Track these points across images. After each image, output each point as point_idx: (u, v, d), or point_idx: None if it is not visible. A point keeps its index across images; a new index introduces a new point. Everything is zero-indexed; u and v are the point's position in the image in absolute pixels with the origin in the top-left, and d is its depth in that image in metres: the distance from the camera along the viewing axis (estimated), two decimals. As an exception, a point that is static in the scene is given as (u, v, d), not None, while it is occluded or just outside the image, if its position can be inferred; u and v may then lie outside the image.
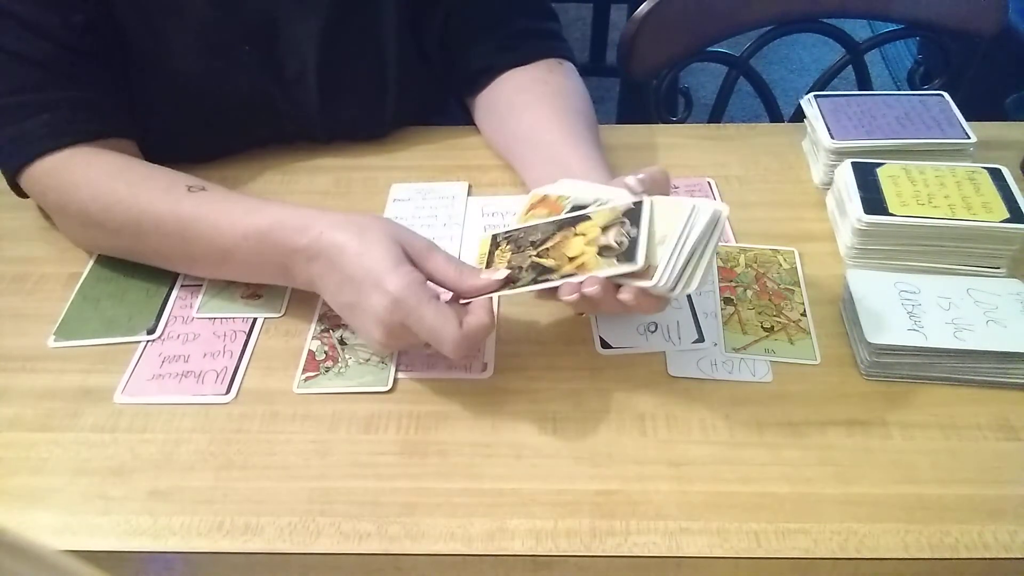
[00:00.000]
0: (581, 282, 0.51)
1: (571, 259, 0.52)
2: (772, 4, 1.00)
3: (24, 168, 0.64)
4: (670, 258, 0.50)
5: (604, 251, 0.52)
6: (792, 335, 0.61)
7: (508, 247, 0.56)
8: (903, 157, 0.69)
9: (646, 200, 0.53)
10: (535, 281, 0.53)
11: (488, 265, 0.56)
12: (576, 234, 0.54)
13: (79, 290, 0.66)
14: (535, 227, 0.56)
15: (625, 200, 0.54)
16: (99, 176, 0.63)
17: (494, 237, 0.57)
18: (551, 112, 0.72)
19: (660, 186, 0.56)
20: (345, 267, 0.53)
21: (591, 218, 0.54)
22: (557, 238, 0.54)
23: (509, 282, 0.53)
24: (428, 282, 0.53)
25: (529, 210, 0.59)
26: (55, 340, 0.62)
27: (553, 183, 0.60)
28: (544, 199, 0.59)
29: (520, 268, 0.54)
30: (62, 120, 0.64)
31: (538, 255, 0.54)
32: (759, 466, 0.52)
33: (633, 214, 0.52)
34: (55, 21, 0.64)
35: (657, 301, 0.51)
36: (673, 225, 0.52)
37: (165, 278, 0.66)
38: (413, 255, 0.53)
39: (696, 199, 0.53)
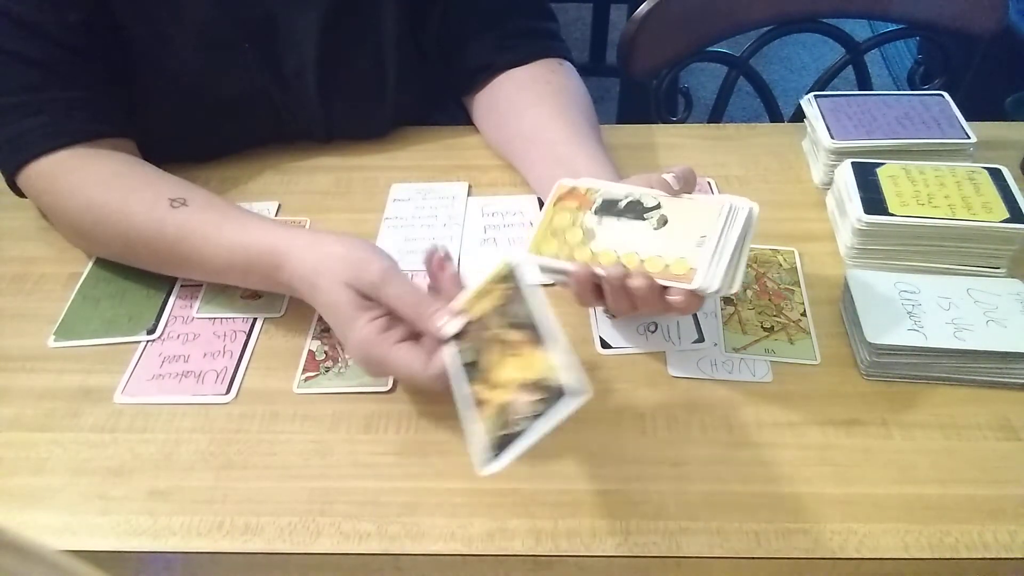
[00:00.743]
0: (625, 274, 0.51)
1: (492, 382, 0.47)
2: (772, 4, 1.00)
3: (22, 169, 0.64)
4: (713, 258, 0.51)
5: (505, 411, 0.45)
6: (792, 335, 0.61)
7: (505, 295, 0.50)
8: (903, 157, 0.69)
9: (573, 399, 0.44)
10: (465, 368, 0.49)
11: (485, 293, 0.52)
12: (525, 354, 0.47)
13: (79, 290, 0.66)
14: (530, 300, 0.48)
15: (650, 200, 0.55)
16: (90, 185, 0.63)
17: (512, 272, 0.51)
18: (553, 111, 0.72)
19: (690, 184, 0.57)
20: (321, 307, 0.55)
21: (557, 351, 0.45)
22: (517, 336, 0.48)
23: (462, 336, 0.50)
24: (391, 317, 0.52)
25: (557, 201, 0.59)
26: (55, 340, 0.62)
27: (554, 182, 0.60)
28: (572, 191, 0.59)
29: (479, 335, 0.50)
30: (60, 120, 0.64)
31: (494, 337, 0.49)
32: (759, 466, 0.52)
33: (553, 398, 0.44)
34: (52, 20, 0.63)
35: (700, 301, 0.52)
36: (710, 224, 0.52)
37: (165, 279, 0.66)
38: (369, 293, 0.52)
39: (728, 196, 0.54)
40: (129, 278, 0.66)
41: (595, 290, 0.54)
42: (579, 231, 0.56)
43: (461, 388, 0.48)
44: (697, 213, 0.54)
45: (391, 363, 0.52)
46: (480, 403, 0.47)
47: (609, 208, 0.56)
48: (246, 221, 0.60)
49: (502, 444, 0.44)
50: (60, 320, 0.64)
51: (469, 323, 0.51)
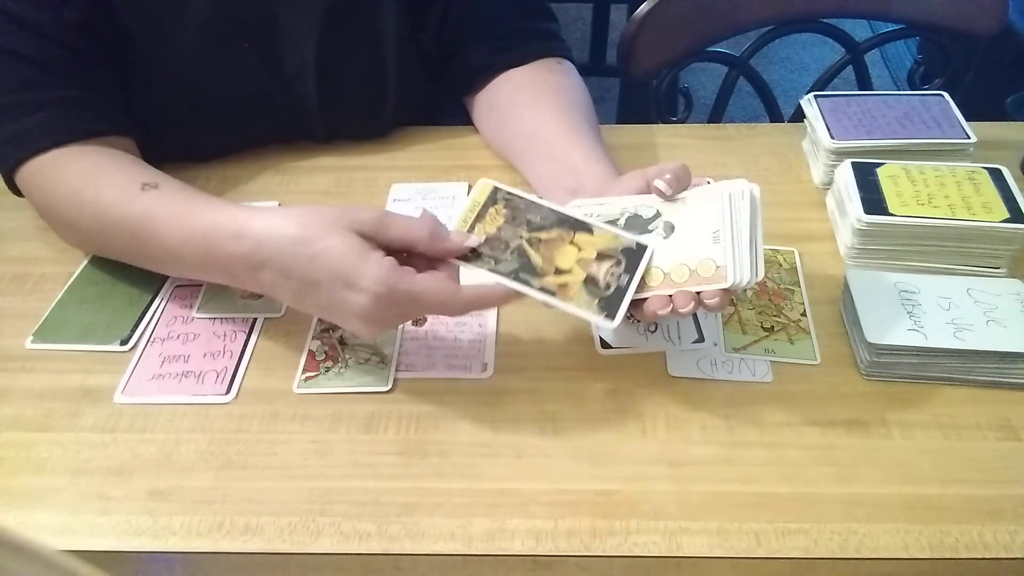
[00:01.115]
0: (670, 297, 0.51)
1: (558, 271, 0.52)
2: (772, 4, 1.00)
3: (19, 167, 0.64)
4: (734, 251, 0.51)
5: (589, 283, 0.51)
6: (792, 335, 0.61)
7: (503, 211, 0.54)
8: (903, 157, 0.69)
9: (650, 246, 0.52)
10: (515, 275, 0.51)
11: (477, 217, 0.53)
12: (571, 243, 0.53)
13: (67, 291, 0.66)
14: (538, 206, 0.54)
15: (647, 210, 0.55)
16: (73, 178, 0.63)
17: (495, 190, 0.55)
18: (552, 109, 0.72)
19: (683, 183, 0.55)
20: (303, 274, 0.50)
21: (592, 232, 0.53)
22: (553, 234, 0.53)
23: (479, 256, 0.52)
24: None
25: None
26: (32, 342, 0.62)
27: (555, 181, 0.60)
28: None
29: (506, 246, 0.52)
30: (58, 119, 0.64)
31: (529, 242, 0.53)
32: (759, 466, 0.52)
33: (632, 256, 0.52)
34: (51, 19, 0.63)
35: (730, 297, 0.52)
36: (716, 218, 0.52)
37: (150, 285, 0.66)
38: (370, 233, 0.50)
39: (723, 184, 0.54)
40: (115, 283, 0.66)
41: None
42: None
43: (530, 288, 0.51)
44: (699, 210, 0.54)
45: (421, 293, 0.49)
46: (561, 288, 0.51)
47: None
48: (211, 202, 0.57)
49: (610, 302, 0.51)
50: (41, 322, 0.63)
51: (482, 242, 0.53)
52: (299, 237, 0.50)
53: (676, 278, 0.52)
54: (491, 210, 0.54)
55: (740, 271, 0.51)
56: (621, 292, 0.51)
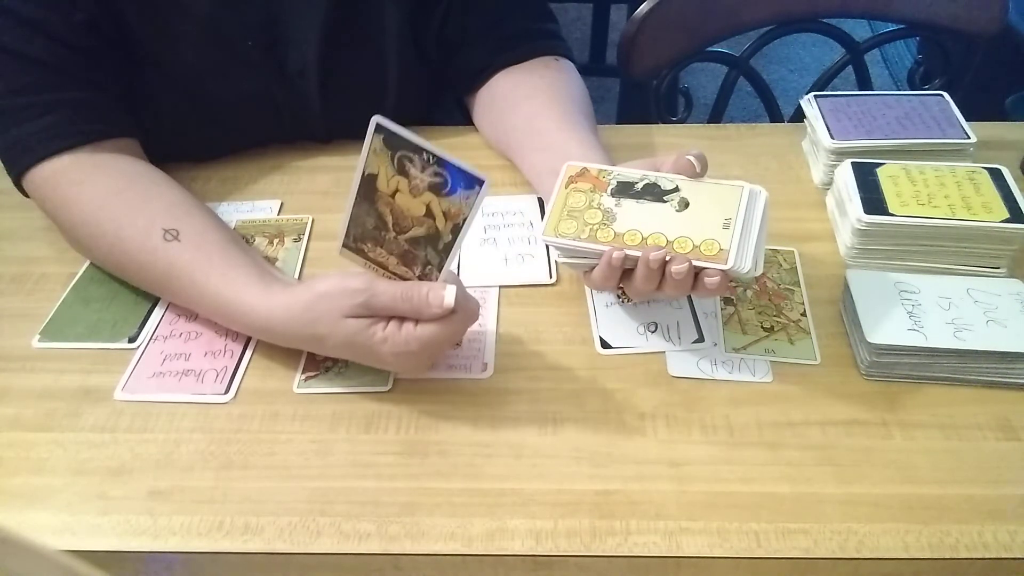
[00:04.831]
0: (666, 257, 0.52)
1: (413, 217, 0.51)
2: (772, 4, 1.00)
3: (27, 172, 0.64)
4: (742, 240, 0.53)
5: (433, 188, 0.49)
6: (792, 335, 0.61)
7: (372, 246, 0.53)
8: (903, 157, 0.69)
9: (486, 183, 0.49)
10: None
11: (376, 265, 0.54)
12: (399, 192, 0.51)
13: (71, 290, 0.66)
14: (362, 219, 0.52)
15: (667, 183, 0.57)
16: (88, 200, 0.62)
17: (347, 247, 0.54)
18: (547, 101, 0.72)
19: (704, 167, 0.58)
20: (332, 348, 0.55)
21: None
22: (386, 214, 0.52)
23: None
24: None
25: (568, 183, 0.59)
26: (39, 340, 0.62)
27: (546, 166, 0.61)
28: (583, 172, 0.60)
29: (408, 251, 0.52)
30: (64, 122, 0.64)
31: (395, 235, 0.52)
32: (759, 466, 0.52)
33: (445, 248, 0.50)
34: (57, 19, 0.63)
35: (728, 284, 0.53)
36: (732, 207, 0.54)
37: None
38: (365, 309, 0.52)
39: (742, 182, 0.56)
40: (121, 282, 0.66)
41: (616, 272, 0.55)
42: (598, 212, 0.57)
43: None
44: (718, 197, 0.55)
45: (432, 341, 0.52)
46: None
47: (626, 190, 0.57)
48: (229, 271, 0.58)
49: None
50: (47, 320, 0.64)
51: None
52: (315, 337, 0.54)
53: (678, 247, 0.53)
54: (370, 257, 0.54)
55: (743, 259, 0.52)
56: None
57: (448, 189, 0.48)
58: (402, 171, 0.49)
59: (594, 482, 0.52)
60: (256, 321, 0.57)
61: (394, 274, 0.53)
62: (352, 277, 0.53)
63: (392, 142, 0.49)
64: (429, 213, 0.50)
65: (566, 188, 0.59)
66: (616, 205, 0.57)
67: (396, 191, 0.50)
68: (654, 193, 0.56)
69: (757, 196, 0.55)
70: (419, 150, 0.48)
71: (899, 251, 0.64)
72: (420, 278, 0.52)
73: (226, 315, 0.59)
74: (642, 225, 0.55)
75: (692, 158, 0.57)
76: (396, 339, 0.52)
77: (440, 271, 0.51)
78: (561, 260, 0.60)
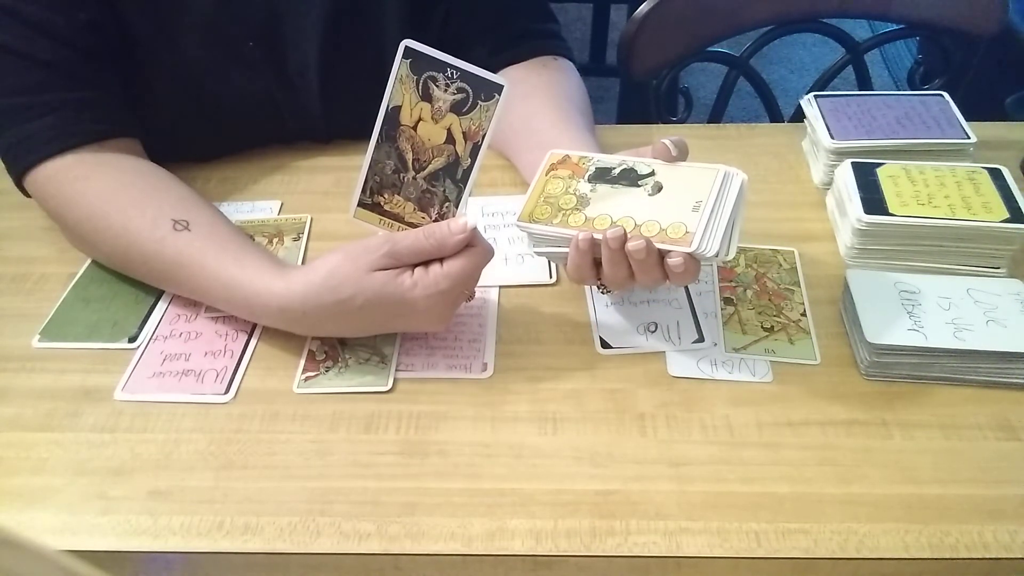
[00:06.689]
0: (625, 237, 0.52)
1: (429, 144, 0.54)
2: (772, 4, 1.00)
3: (29, 171, 0.64)
4: (710, 222, 0.52)
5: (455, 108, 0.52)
6: (792, 335, 0.61)
7: (389, 196, 0.56)
8: (903, 157, 0.69)
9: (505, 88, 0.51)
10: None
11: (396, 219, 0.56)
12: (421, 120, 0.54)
13: (72, 290, 0.66)
14: (381, 164, 0.56)
15: (644, 167, 0.57)
16: (95, 195, 0.62)
17: (362, 205, 0.57)
18: (543, 100, 0.73)
19: (683, 155, 0.58)
20: (353, 318, 0.55)
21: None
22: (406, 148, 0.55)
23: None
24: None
25: (549, 170, 0.60)
26: (39, 340, 0.62)
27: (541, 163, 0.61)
28: (565, 159, 0.60)
29: (427, 190, 0.54)
30: (67, 122, 0.64)
31: (416, 167, 0.55)
32: (759, 466, 0.52)
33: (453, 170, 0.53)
34: (60, 20, 0.63)
35: (697, 268, 0.53)
36: (705, 190, 0.54)
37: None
38: (390, 260, 0.53)
39: (722, 165, 0.55)
40: (121, 282, 0.66)
41: (592, 262, 0.55)
42: (572, 197, 0.57)
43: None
44: (692, 180, 0.55)
45: (461, 275, 0.53)
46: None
47: (603, 175, 0.58)
48: (243, 257, 0.59)
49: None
50: (47, 320, 0.63)
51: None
52: (336, 299, 0.54)
53: (646, 231, 0.53)
54: (386, 208, 0.57)
55: (710, 242, 0.52)
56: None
57: (469, 105, 0.51)
58: (426, 95, 0.53)
59: (594, 482, 0.52)
60: (273, 301, 0.56)
61: (409, 224, 0.55)
62: (368, 239, 0.54)
63: (418, 65, 0.52)
64: (450, 139, 0.52)
65: (546, 175, 0.59)
66: (591, 191, 0.57)
67: (419, 120, 0.53)
68: (630, 178, 0.57)
69: (732, 178, 0.55)
70: (444, 67, 0.51)
71: (899, 251, 0.64)
72: (437, 219, 0.54)
73: (240, 300, 0.58)
74: (613, 209, 0.55)
75: (668, 142, 0.57)
76: (426, 280, 0.53)
77: (457, 207, 0.53)
78: (536, 251, 0.59)
